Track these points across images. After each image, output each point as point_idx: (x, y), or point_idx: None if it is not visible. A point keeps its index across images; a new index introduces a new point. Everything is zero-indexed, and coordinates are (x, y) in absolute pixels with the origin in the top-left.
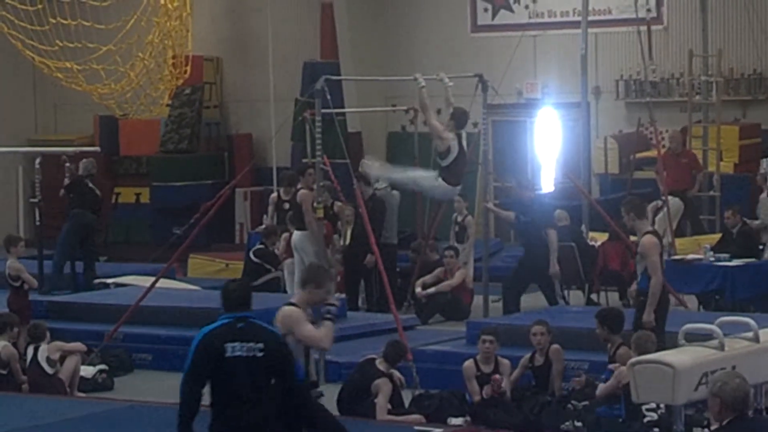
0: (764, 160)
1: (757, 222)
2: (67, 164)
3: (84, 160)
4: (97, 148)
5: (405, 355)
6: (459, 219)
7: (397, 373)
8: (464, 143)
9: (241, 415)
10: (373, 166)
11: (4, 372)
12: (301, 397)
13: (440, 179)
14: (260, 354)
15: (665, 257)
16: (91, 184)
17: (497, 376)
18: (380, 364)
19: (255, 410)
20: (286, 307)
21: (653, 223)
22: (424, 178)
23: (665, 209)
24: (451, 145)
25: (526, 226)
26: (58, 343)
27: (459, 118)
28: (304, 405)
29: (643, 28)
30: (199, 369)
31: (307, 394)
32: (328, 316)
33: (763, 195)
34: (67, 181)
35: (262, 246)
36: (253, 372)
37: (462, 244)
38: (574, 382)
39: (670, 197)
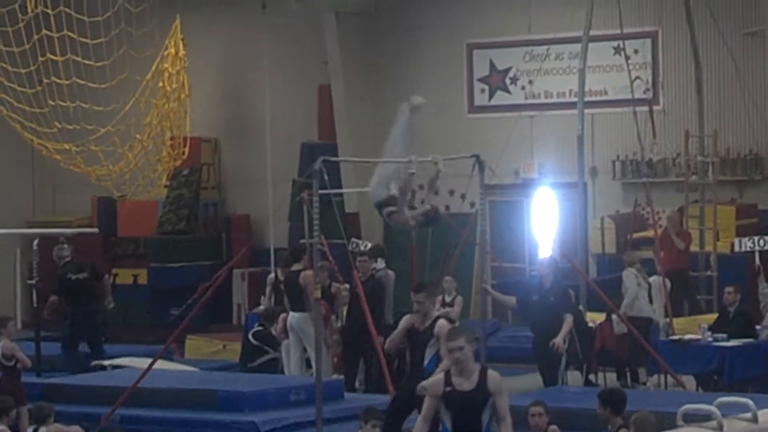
0: (738, 239)
1: None
2: (65, 245)
3: (55, 248)
4: (95, 230)
5: (377, 415)
6: (448, 299)
7: None
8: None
9: None
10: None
11: None
12: None
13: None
14: None
15: (664, 337)
16: (70, 274)
17: None
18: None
19: None
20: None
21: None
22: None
23: (661, 287)
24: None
25: (542, 311)
26: (57, 426)
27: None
28: None
29: (641, 108)
30: None
31: None
32: None
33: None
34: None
35: (261, 328)
36: None
37: None
38: None
39: (654, 278)
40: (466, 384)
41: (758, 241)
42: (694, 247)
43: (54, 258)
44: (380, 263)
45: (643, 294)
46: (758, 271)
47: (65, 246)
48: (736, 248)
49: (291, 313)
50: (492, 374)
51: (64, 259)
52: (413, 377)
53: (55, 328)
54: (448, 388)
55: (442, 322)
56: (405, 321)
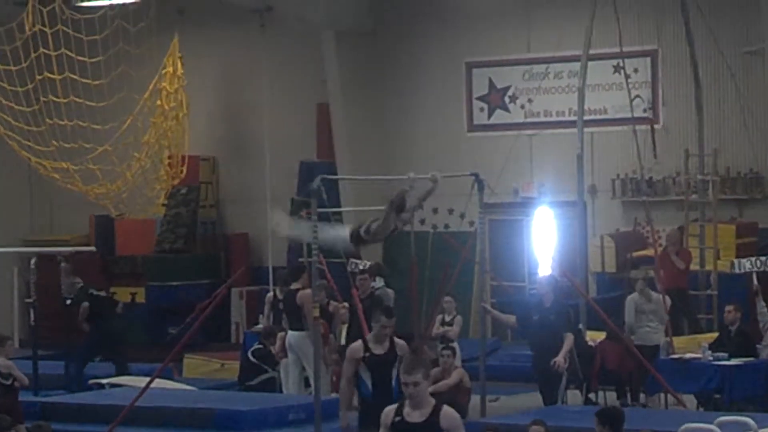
0: (737, 260)
1: None
2: (63, 264)
3: (64, 282)
4: (93, 248)
5: None
6: (447, 319)
7: None
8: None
9: None
10: (282, 224)
11: None
12: None
13: (351, 238)
14: None
15: (664, 356)
16: (92, 290)
17: None
18: None
19: None
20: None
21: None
22: (339, 238)
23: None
24: (384, 233)
25: (542, 329)
26: None
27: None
28: None
29: (640, 126)
30: None
31: None
32: None
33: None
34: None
35: (260, 346)
36: None
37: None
38: None
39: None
40: (415, 415)
41: (755, 261)
42: (694, 266)
43: (64, 290)
44: (379, 282)
45: (648, 318)
46: (756, 292)
47: (70, 271)
48: (736, 269)
49: (290, 332)
50: (446, 410)
51: (77, 285)
52: (380, 401)
53: (53, 347)
54: (397, 419)
55: (401, 343)
56: (351, 352)
